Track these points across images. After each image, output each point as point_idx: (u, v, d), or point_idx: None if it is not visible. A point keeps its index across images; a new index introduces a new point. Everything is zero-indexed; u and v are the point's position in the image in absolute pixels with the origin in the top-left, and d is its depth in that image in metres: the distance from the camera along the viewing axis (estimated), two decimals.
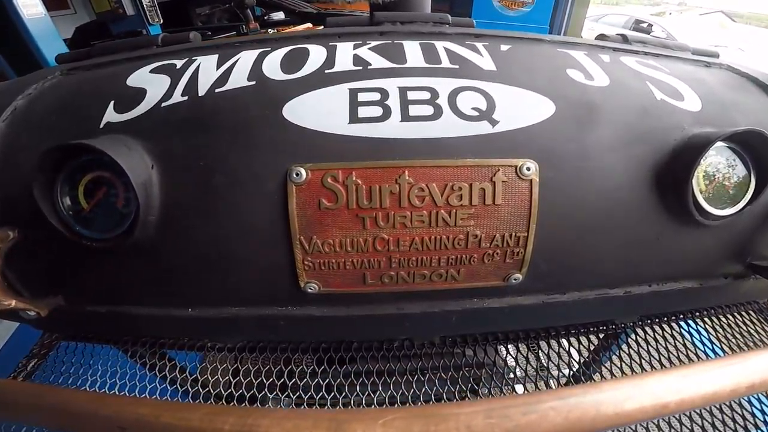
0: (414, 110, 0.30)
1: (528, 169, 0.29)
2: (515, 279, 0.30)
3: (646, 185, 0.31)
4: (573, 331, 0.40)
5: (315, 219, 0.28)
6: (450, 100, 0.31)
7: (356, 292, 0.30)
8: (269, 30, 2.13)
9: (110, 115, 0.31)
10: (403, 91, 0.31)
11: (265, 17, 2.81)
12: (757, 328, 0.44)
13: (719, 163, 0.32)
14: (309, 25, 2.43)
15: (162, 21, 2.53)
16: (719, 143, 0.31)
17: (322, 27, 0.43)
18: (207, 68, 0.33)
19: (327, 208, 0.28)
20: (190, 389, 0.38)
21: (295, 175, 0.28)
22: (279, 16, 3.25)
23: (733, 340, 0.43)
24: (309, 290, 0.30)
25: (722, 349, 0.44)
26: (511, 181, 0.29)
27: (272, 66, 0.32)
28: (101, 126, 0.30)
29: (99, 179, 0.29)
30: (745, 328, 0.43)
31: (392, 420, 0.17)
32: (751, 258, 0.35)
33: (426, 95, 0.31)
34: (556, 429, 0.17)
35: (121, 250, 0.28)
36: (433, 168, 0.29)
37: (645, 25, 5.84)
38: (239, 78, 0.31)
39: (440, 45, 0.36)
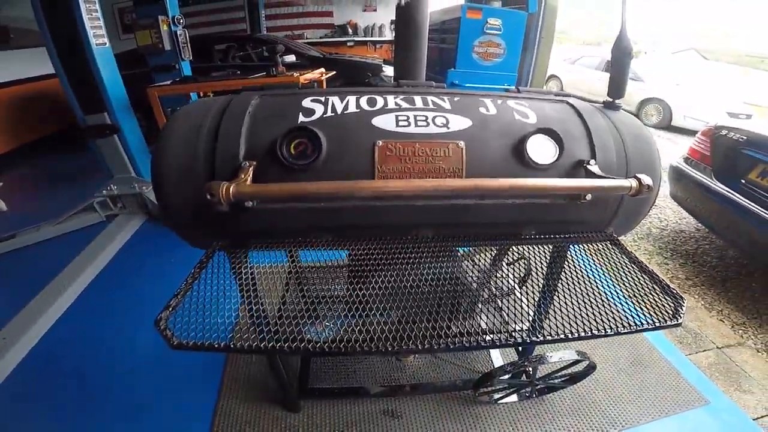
0: (419, 123, 0.86)
1: (461, 144, 0.84)
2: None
3: (509, 152, 0.86)
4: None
5: (383, 158, 0.82)
6: (432, 120, 0.87)
7: (396, 192, 0.83)
8: (294, 73, 2.79)
9: (301, 118, 0.85)
10: (414, 116, 0.87)
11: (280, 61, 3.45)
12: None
13: (539, 141, 0.86)
14: (322, 69, 3.11)
15: (192, 57, 3.16)
16: (538, 133, 0.86)
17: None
18: (336, 102, 0.89)
19: (388, 155, 0.82)
20: None
21: (378, 143, 0.82)
22: (291, 58, 4.02)
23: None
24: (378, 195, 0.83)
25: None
26: (455, 149, 0.84)
27: (363, 103, 0.88)
28: (298, 122, 0.85)
29: (299, 141, 0.82)
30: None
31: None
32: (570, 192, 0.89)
33: (423, 117, 0.87)
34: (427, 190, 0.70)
35: (306, 170, 0.81)
36: (426, 143, 0.84)
37: None
38: (352, 107, 0.87)
39: (428, 97, 0.93)
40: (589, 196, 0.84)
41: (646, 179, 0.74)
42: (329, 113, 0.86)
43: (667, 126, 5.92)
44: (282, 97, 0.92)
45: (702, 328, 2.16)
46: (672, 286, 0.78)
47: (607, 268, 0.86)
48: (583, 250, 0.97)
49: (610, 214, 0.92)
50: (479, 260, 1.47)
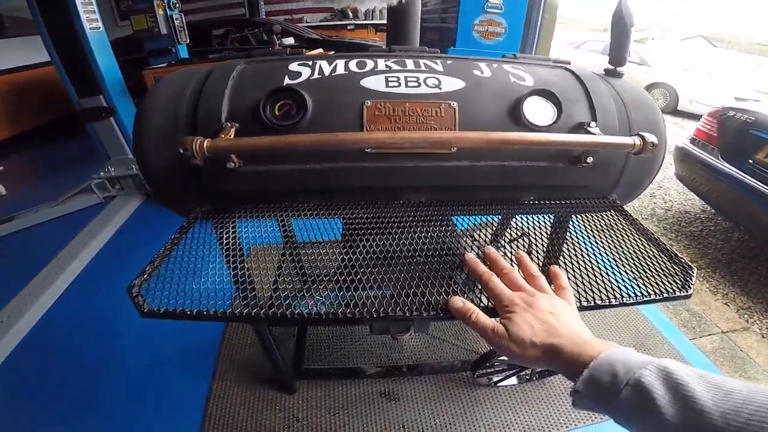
0: (410, 84, 0.81)
1: (453, 104, 0.80)
2: (454, 149, 0.79)
3: (505, 113, 0.81)
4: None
5: (372, 118, 0.78)
6: (424, 80, 0.82)
7: (388, 152, 0.79)
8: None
9: (287, 80, 0.81)
10: (405, 77, 0.82)
11: (278, 43, 3.41)
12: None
13: (536, 102, 0.82)
14: (320, 50, 3.06)
15: (189, 41, 3.12)
16: (534, 94, 0.81)
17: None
18: (324, 65, 0.84)
19: (377, 114, 0.78)
20: None
21: (367, 102, 0.78)
22: (289, 41, 3.95)
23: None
24: (367, 150, 0.79)
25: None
26: (447, 108, 0.79)
27: (353, 65, 0.84)
28: (284, 84, 0.81)
29: (284, 103, 0.78)
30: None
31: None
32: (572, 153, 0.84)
33: (414, 77, 0.82)
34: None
35: (291, 131, 0.77)
36: (417, 102, 0.79)
37: None
38: (340, 69, 0.83)
39: (420, 60, 0.88)
40: (590, 159, 0.80)
41: (650, 137, 0.70)
42: (316, 75, 0.83)
43: (673, 110, 5.86)
44: (268, 62, 0.89)
45: (707, 312, 2.12)
46: (681, 256, 0.74)
47: (611, 238, 0.82)
48: (586, 218, 0.93)
49: (612, 179, 0.88)
50: (479, 236, 1.44)
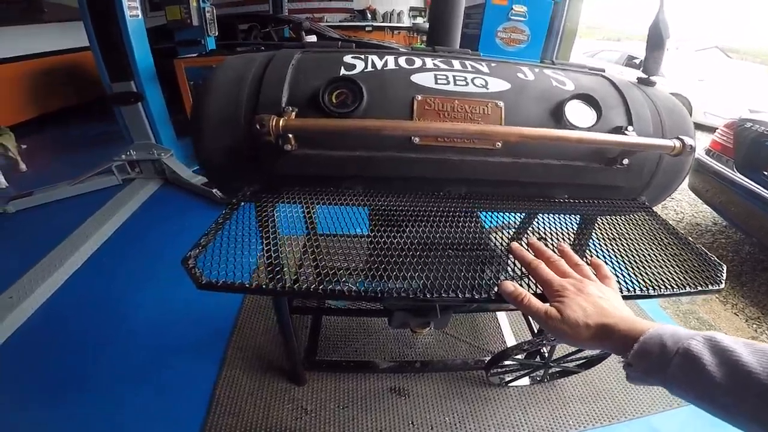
0: (458, 82, 0.86)
1: (500, 103, 0.84)
2: (498, 144, 0.84)
3: (548, 115, 0.85)
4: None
5: (422, 112, 0.83)
6: (472, 80, 0.86)
7: (435, 145, 0.84)
8: None
9: (343, 71, 0.86)
10: (453, 75, 0.87)
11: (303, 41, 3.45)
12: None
13: (577, 106, 0.86)
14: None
15: (217, 33, 3.17)
16: (576, 98, 0.85)
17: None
18: (376, 60, 0.89)
19: (426, 108, 0.83)
20: None
21: (417, 97, 0.83)
22: (312, 39, 4.01)
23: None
24: (415, 141, 0.83)
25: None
26: (494, 107, 0.84)
27: (402, 62, 0.89)
28: (341, 75, 0.85)
29: (341, 92, 0.83)
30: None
31: None
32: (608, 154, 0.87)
33: (462, 77, 0.87)
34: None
35: (347, 118, 0.82)
36: (465, 100, 0.84)
37: (637, 60, 6.66)
38: (391, 65, 0.88)
39: (466, 61, 0.93)
40: (626, 161, 0.84)
41: (688, 140, 0.74)
42: (369, 68, 0.87)
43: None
44: (324, 53, 0.94)
45: (716, 321, 2.15)
46: (710, 254, 0.78)
47: (643, 237, 0.86)
48: (619, 218, 0.95)
49: (643, 182, 0.91)
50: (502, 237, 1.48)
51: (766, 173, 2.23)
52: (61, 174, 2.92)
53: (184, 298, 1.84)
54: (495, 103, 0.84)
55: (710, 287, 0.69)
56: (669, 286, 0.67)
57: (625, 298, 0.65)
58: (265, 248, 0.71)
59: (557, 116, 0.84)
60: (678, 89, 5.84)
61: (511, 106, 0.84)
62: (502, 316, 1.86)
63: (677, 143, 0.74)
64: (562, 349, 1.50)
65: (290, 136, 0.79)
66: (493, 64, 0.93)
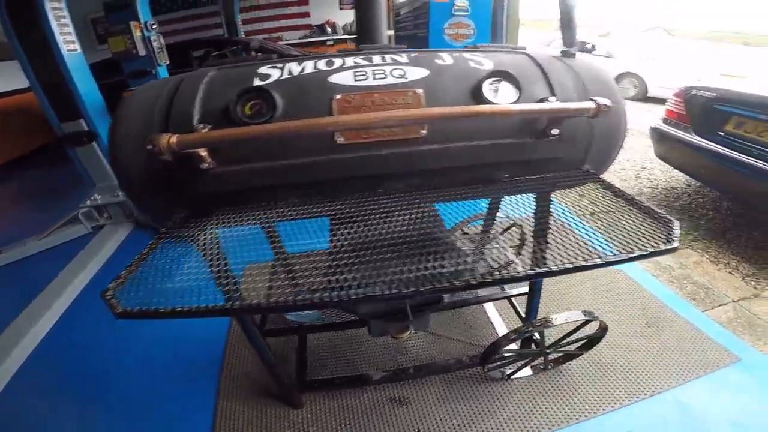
0: (377, 76, 0.86)
1: (418, 90, 0.85)
2: (423, 132, 0.84)
3: (468, 95, 0.86)
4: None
5: (342, 110, 0.82)
6: (390, 72, 0.87)
7: (360, 142, 0.83)
8: None
9: (257, 82, 0.85)
10: (372, 71, 0.88)
11: None
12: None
13: (499, 84, 0.87)
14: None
15: (169, 62, 3.15)
16: (493, 76, 0.87)
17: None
18: (293, 67, 0.89)
19: (346, 107, 0.83)
20: None
21: (335, 96, 0.83)
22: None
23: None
24: (339, 141, 0.83)
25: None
26: (414, 95, 0.84)
27: (321, 65, 0.89)
28: (264, 84, 0.85)
29: (255, 102, 0.82)
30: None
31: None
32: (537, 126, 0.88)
33: (381, 71, 0.88)
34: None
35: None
36: (385, 93, 0.84)
37: (589, 45, 7.07)
38: (309, 69, 0.88)
39: (386, 55, 0.94)
40: (555, 131, 0.85)
41: (603, 100, 0.75)
42: (285, 76, 0.87)
43: (643, 98, 6.13)
44: (240, 68, 0.94)
45: (713, 283, 2.14)
46: (661, 211, 0.76)
47: (592, 204, 0.86)
48: (566, 191, 0.94)
49: (582, 150, 0.92)
50: (470, 229, 1.48)
51: (721, 133, 2.33)
52: (28, 227, 2.87)
53: (172, 335, 1.83)
54: (414, 91, 0.84)
55: (662, 247, 0.68)
56: (618, 251, 0.67)
57: (569, 271, 0.65)
58: (187, 271, 0.70)
59: (477, 95, 0.84)
60: (629, 68, 6.19)
61: (431, 92, 0.84)
62: (490, 307, 1.83)
63: (592, 105, 0.75)
64: (555, 333, 1.48)
65: (203, 153, 0.78)
66: (413, 54, 0.94)
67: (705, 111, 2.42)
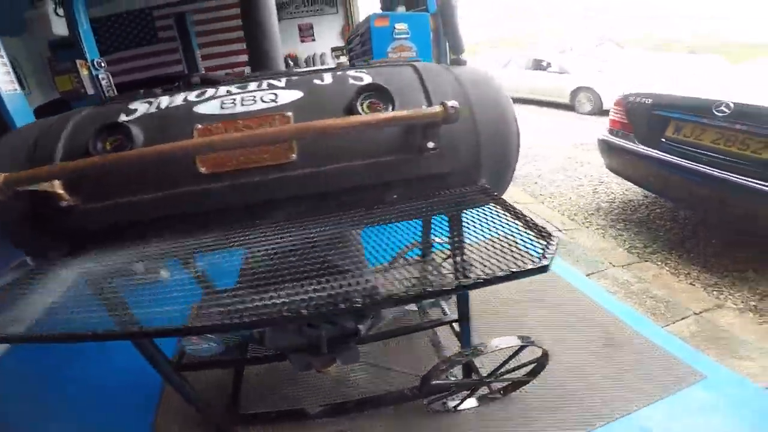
0: (246, 102, 0.84)
1: (288, 113, 0.83)
2: (293, 156, 0.81)
3: (341, 113, 0.84)
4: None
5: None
6: (260, 97, 0.86)
7: (225, 171, 0.80)
8: None
9: (122, 118, 0.83)
10: (241, 98, 0.86)
11: None
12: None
13: (371, 97, 0.86)
14: None
15: None
16: (365, 91, 0.86)
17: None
18: (164, 100, 0.88)
19: (207, 136, 0.79)
20: None
21: (197, 126, 0.80)
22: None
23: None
24: (201, 170, 0.79)
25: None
26: (281, 118, 0.82)
27: (192, 96, 0.88)
28: (128, 119, 0.82)
29: (116, 138, 0.79)
30: None
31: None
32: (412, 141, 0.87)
33: (251, 97, 0.86)
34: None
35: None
36: (251, 119, 0.82)
37: (544, 63, 7.58)
38: (178, 101, 0.87)
39: (265, 80, 0.93)
40: (431, 144, 0.83)
41: (452, 103, 0.74)
42: (153, 110, 0.87)
43: (599, 112, 6.36)
44: (114, 104, 0.94)
45: (673, 295, 2.11)
46: (546, 227, 0.72)
47: (483, 222, 0.83)
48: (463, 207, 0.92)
49: (471, 164, 0.90)
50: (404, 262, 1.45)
51: (663, 140, 2.41)
52: None
53: (115, 367, 1.76)
54: (282, 114, 0.82)
55: (528, 266, 0.63)
56: (489, 272, 0.63)
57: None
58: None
59: (351, 113, 0.83)
60: (583, 83, 6.59)
61: (303, 113, 0.82)
62: (444, 334, 1.73)
63: (439, 109, 0.74)
64: (495, 360, 1.42)
65: (60, 191, 0.76)
66: (294, 78, 0.94)
67: (645, 118, 2.46)
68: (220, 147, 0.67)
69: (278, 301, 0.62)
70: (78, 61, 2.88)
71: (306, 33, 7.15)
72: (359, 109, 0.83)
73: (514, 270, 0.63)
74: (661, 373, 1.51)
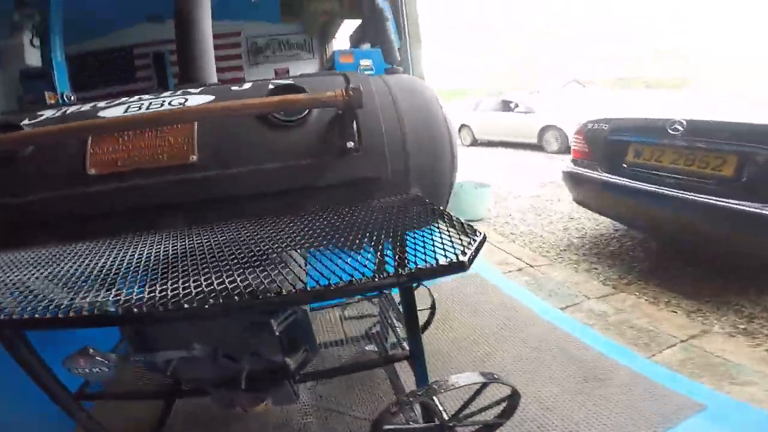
0: (152, 107, 0.81)
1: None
2: (193, 158, 0.76)
3: (253, 116, 0.81)
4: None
5: (97, 141, 0.74)
6: (169, 102, 0.82)
7: (116, 172, 0.74)
8: None
9: (25, 122, 0.77)
10: (150, 103, 0.83)
11: None
12: None
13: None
14: None
15: None
16: (278, 90, 0.85)
17: None
18: (75, 107, 0.83)
19: (105, 137, 0.74)
20: None
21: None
22: None
23: None
24: (91, 172, 0.72)
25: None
26: (186, 126, 0.78)
27: (102, 104, 0.83)
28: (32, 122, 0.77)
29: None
30: None
31: None
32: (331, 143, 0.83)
33: (159, 102, 0.83)
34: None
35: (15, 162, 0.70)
36: (153, 119, 0.78)
37: (512, 104, 8.27)
38: (86, 107, 0.82)
39: (183, 88, 0.91)
40: (351, 144, 0.79)
41: (353, 84, 0.73)
42: (56, 114, 0.83)
43: (566, 150, 6.62)
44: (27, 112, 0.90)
45: (655, 324, 2.02)
46: (472, 228, 0.69)
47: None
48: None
49: (399, 169, 0.87)
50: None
51: (624, 165, 2.49)
52: None
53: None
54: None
55: (451, 263, 0.59)
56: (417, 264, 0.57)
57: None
58: None
59: (263, 115, 0.81)
60: (548, 121, 7.12)
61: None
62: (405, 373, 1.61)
63: (339, 91, 0.72)
64: (454, 401, 1.29)
65: None
66: (212, 87, 0.92)
67: (604, 144, 2.52)
68: (101, 131, 0.61)
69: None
70: (47, 93, 2.85)
71: (280, 66, 7.38)
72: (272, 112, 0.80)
73: (429, 266, 0.57)
74: (653, 406, 1.39)
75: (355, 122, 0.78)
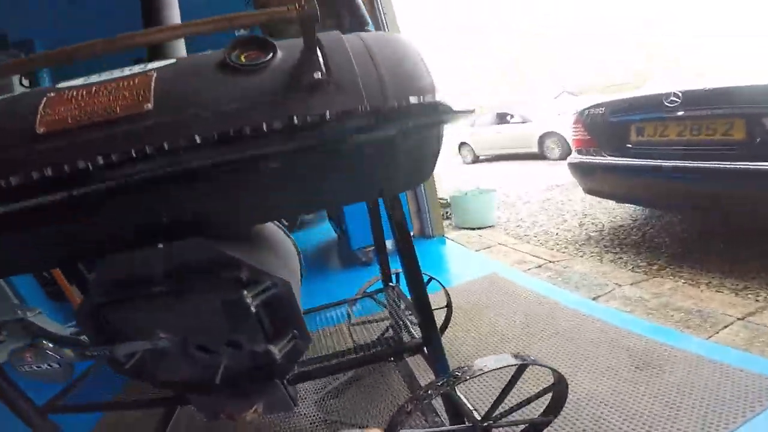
0: (114, 73, 0.77)
1: (150, 72, 0.74)
2: (148, 105, 0.70)
3: (215, 64, 0.76)
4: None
5: (49, 102, 0.69)
6: (130, 68, 0.79)
7: (62, 129, 0.67)
8: None
9: None
10: (112, 71, 0.79)
11: None
12: None
13: (249, 50, 0.80)
14: None
15: None
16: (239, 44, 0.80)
17: None
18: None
19: (57, 99, 0.69)
20: None
21: (49, 94, 0.71)
22: None
23: None
24: (40, 131, 0.66)
25: None
26: (143, 77, 0.73)
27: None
28: None
29: None
30: None
31: None
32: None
33: (122, 68, 0.79)
34: None
35: None
36: (110, 83, 0.73)
37: (508, 116, 8.49)
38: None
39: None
40: (317, 74, 0.72)
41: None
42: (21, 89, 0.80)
43: (569, 155, 6.89)
44: None
45: (702, 305, 1.81)
46: None
47: None
48: None
49: (377, 98, 0.78)
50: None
51: (629, 145, 2.42)
52: None
53: None
54: (145, 74, 0.74)
55: None
56: None
57: None
58: None
59: (224, 66, 0.75)
60: (550, 128, 7.26)
61: (168, 73, 0.74)
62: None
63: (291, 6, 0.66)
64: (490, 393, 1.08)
65: None
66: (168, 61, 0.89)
67: (605, 129, 2.48)
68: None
69: None
70: None
71: None
72: (231, 59, 0.75)
73: None
74: (730, 390, 1.19)
75: (319, 49, 0.72)
